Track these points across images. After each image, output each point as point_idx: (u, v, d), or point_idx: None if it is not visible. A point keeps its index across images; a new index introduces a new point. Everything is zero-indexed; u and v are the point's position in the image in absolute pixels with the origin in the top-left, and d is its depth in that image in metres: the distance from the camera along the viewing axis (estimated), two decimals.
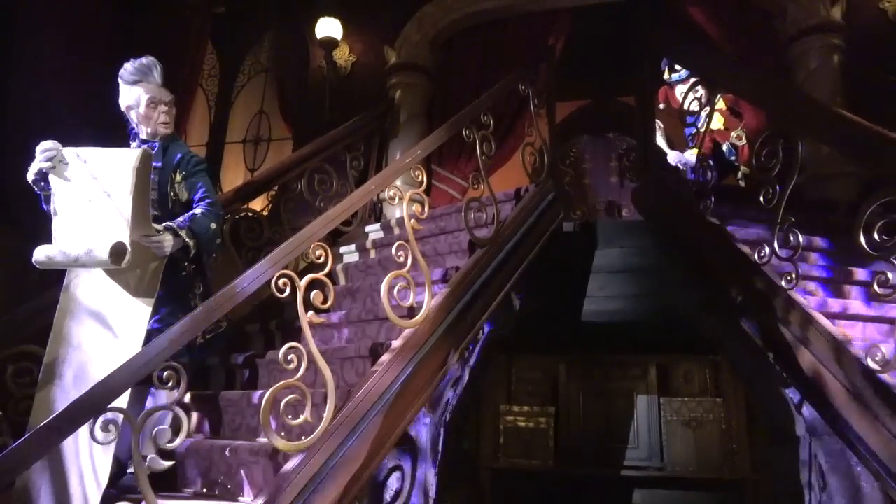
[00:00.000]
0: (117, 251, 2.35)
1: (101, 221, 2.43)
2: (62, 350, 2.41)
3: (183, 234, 2.62)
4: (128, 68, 2.85)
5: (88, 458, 2.25)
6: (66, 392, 2.34)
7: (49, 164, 2.48)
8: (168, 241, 2.57)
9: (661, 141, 5.36)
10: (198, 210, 2.75)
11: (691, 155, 5.14)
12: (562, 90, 5.11)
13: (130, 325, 2.44)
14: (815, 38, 4.98)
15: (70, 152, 2.51)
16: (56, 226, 2.49)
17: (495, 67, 5.75)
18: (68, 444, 2.20)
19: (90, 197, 2.45)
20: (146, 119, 2.85)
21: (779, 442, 3.29)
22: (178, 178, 2.84)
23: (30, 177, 2.56)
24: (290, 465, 2.20)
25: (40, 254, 2.40)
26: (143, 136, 2.88)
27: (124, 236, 2.40)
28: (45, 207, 2.60)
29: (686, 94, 4.65)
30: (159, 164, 2.80)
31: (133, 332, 2.43)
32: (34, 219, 2.76)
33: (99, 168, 2.47)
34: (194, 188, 2.83)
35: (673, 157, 5.26)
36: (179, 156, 2.87)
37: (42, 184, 2.56)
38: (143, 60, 2.85)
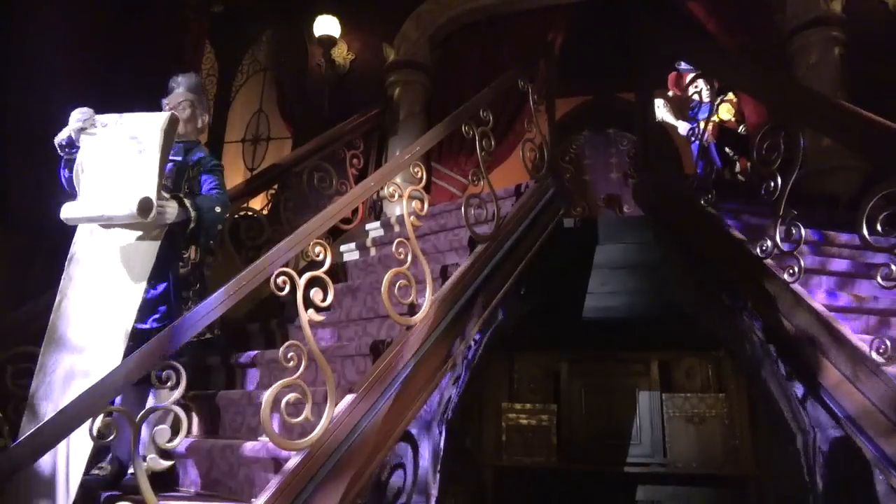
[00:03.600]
0: (144, 205, 2.43)
1: (129, 177, 2.50)
2: (56, 344, 2.41)
3: (187, 202, 2.71)
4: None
5: (65, 456, 2.24)
6: (62, 388, 2.33)
7: (81, 124, 2.58)
8: (172, 208, 2.64)
9: (667, 116, 5.33)
10: (206, 193, 2.87)
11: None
12: (561, 86, 5.09)
13: (124, 311, 2.46)
14: (815, 32, 4.95)
15: (103, 117, 2.62)
16: (84, 184, 2.55)
17: (494, 64, 5.73)
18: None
19: (118, 156, 2.53)
20: None
21: (782, 437, 3.28)
22: (193, 173, 2.96)
23: (58, 140, 2.63)
24: (290, 465, 2.19)
25: (67, 211, 2.46)
26: None
27: (152, 191, 2.47)
28: (63, 174, 2.67)
29: (688, 85, 4.64)
30: (179, 158, 2.91)
31: (128, 305, 2.47)
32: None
33: (129, 129, 2.57)
34: (205, 181, 2.94)
35: (684, 128, 5.24)
36: (199, 156, 3.00)
37: (67, 149, 2.63)
38: (179, 75, 3.14)
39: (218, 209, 2.84)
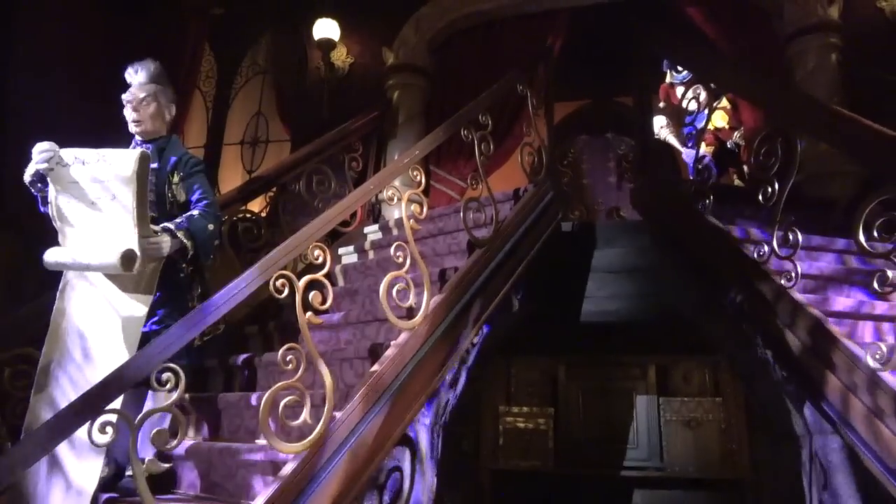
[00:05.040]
0: (128, 258, 2.36)
1: (108, 227, 2.43)
2: (58, 352, 2.40)
3: (181, 235, 2.61)
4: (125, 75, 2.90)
5: (77, 460, 2.23)
6: (63, 394, 2.33)
7: (46, 165, 2.46)
8: (166, 243, 2.56)
9: (670, 137, 5.35)
10: (195, 211, 2.74)
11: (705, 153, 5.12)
12: (560, 90, 5.10)
13: (127, 326, 2.43)
14: (812, 38, 4.98)
15: (68, 154, 2.49)
16: (63, 230, 2.49)
17: (493, 68, 5.73)
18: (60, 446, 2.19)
19: (93, 200, 2.45)
20: (127, 118, 2.89)
21: (779, 441, 3.28)
22: (176, 179, 2.84)
23: (26, 178, 2.55)
24: (288, 467, 2.19)
25: (51, 257, 2.40)
26: (136, 137, 2.89)
27: (133, 242, 2.41)
28: (42, 209, 2.59)
29: (685, 92, 4.65)
30: (155, 165, 2.79)
31: (129, 333, 2.42)
32: (32, 220, 2.74)
33: (99, 170, 2.46)
34: (191, 189, 2.82)
35: (687, 155, 5.25)
36: (176, 157, 2.87)
37: (39, 185, 2.55)
38: (134, 64, 2.89)
39: (211, 226, 2.74)
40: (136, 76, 2.88)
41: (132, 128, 2.87)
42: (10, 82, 5.42)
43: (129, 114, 2.87)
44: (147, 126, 2.88)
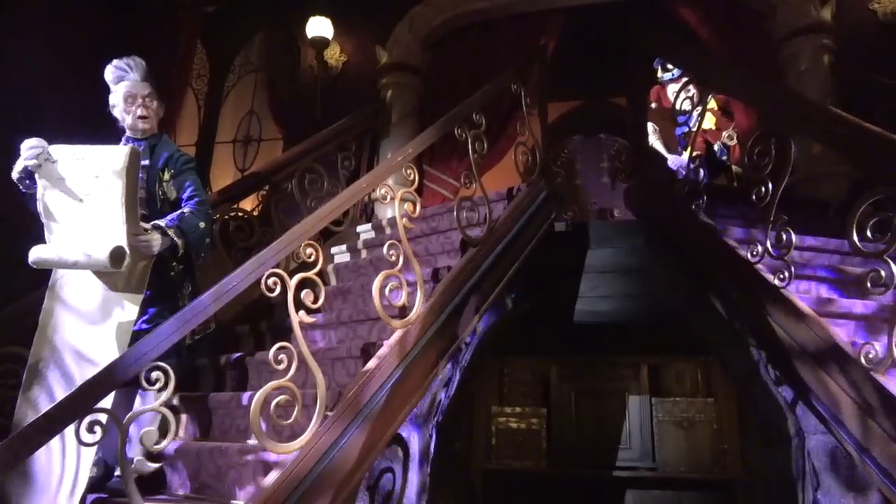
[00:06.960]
0: (117, 255, 2.32)
1: (97, 223, 2.40)
2: (47, 350, 2.37)
3: (171, 233, 2.59)
4: (109, 69, 2.86)
5: (68, 460, 2.21)
6: (51, 393, 2.31)
7: (35, 161, 2.43)
8: (156, 241, 2.54)
9: (657, 144, 5.36)
10: (186, 209, 2.72)
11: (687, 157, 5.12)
12: (554, 90, 5.10)
13: (117, 324, 2.41)
14: (805, 39, 5.01)
15: (57, 150, 2.46)
16: (50, 227, 2.45)
17: (487, 67, 5.73)
18: (49, 445, 2.16)
19: (81, 197, 2.42)
20: (125, 115, 2.85)
21: (771, 441, 3.29)
22: (167, 176, 2.81)
23: (14, 175, 2.51)
24: (280, 468, 2.18)
25: (36, 255, 2.35)
26: (128, 133, 2.86)
27: (122, 239, 2.38)
28: (32, 207, 2.56)
29: (678, 93, 4.65)
30: (146, 162, 2.77)
31: (119, 331, 2.40)
32: (21, 216, 2.71)
33: (88, 167, 2.43)
34: (182, 187, 2.80)
35: (673, 161, 5.26)
36: (167, 154, 2.85)
37: (27, 182, 2.52)
38: (124, 59, 2.86)
39: (202, 224, 2.72)
40: (132, 73, 2.84)
41: (140, 124, 2.84)
42: None
43: (135, 110, 2.83)
44: (154, 122, 2.88)
